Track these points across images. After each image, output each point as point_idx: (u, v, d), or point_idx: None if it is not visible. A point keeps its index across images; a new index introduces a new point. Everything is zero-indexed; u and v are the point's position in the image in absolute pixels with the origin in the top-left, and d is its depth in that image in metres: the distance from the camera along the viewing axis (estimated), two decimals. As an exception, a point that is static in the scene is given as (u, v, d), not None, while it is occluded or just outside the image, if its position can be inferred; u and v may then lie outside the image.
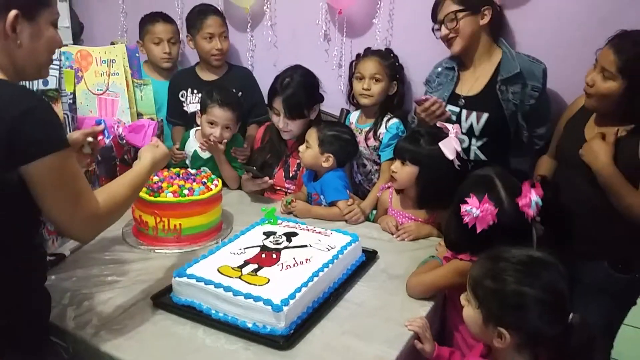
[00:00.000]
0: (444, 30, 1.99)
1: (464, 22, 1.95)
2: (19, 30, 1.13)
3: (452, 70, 2.11)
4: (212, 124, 2.22)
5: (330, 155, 2.05)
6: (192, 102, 2.58)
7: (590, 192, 1.70)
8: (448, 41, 2.02)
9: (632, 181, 1.64)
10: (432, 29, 2.04)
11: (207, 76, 2.62)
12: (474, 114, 2.02)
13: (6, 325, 1.17)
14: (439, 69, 2.16)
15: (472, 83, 2.06)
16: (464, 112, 2.04)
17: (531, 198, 1.37)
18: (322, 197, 2.09)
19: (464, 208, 1.38)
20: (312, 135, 2.07)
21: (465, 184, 1.47)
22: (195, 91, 2.57)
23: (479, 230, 1.37)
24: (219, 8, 2.81)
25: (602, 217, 1.70)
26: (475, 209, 1.37)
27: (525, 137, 2.05)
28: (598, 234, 1.73)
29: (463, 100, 2.05)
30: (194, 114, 2.48)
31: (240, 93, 2.51)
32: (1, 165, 1.06)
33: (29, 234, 1.24)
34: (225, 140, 2.23)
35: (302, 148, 2.10)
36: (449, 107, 2.06)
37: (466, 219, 1.38)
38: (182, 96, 2.61)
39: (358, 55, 2.31)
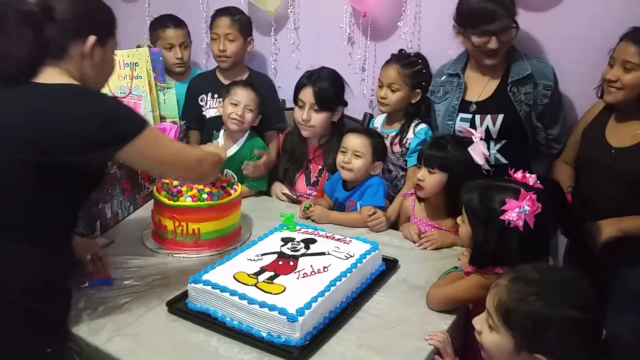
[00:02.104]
0: (494, 44, 1.89)
1: (509, 35, 1.90)
2: (94, 53, 1.31)
3: (456, 76, 2.06)
4: (234, 105, 2.23)
5: (380, 162, 2.05)
6: (212, 107, 2.55)
7: (620, 196, 1.70)
8: (489, 55, 1.94)
9: None
10: (468, 34, 1.93)
11: (227, 80, 2.55)
12: (488, 117, 1.97)
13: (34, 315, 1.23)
14: (443, 78, 2.10)
15: (482, 88, 2.01)
16: (478, 117, 1.99)
17: (516, 211, 1.32)
18: (358, 203, 2.05)
19: (508, 215, 1.32)
20: (363, 144, 2.01)
21: (474, 197, 1.41)
22: (216, 95, 2.53)
23: (532, 226, 1.32)
24: (244, 11, 2.81)
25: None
26: (520, 208, 1.32)
27: (543, 138, 2.01)
28: (631, 239, 1.68)
29: (475, 106, 2.00)
30: (212, 118, 2.47)
31: None
32: (98, 150, 1.23)
33: (68, 230, 1.39)
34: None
35: (348, 159, 2.01)
36: (461, 115, 2.02)
37: (515, 223, 1.32)
38: (201, 100, 2.57)
39: (387, 60, 2.26)
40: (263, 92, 2.41)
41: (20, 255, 1.24)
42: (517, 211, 1.33)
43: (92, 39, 1.29)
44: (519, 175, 1.44)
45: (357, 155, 2.02)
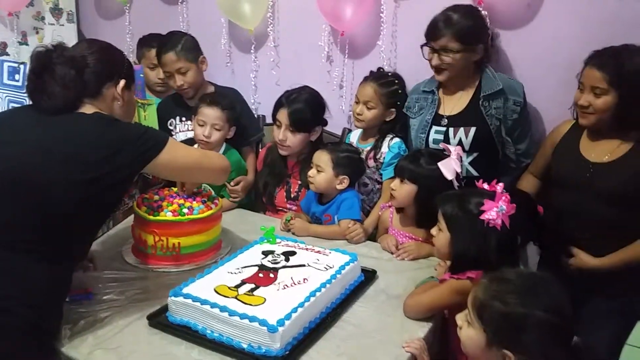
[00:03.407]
0: (436, 60, 2.01)
1: (458, 58, 1.97)
2: (123, 95, 1.54)
3: (431, 93, 2.14)
4: (201, 125, 2.23)
5: (346, 177, 2.05)
6: (181, 130, 2.53)
7: (599, 211, 1.72)
8: (436, 70, 2.05)
9: None
10: (421, 46, 2.05)
11: (193, 102, 2.44)
12: (461, 129, 2.05)
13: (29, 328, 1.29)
14: (417, 95, 2.18)
15: (455, 103, 2.09)
16: (451, 130, 2.06)
17: (495, 210, 1.40)
18: (335, 217, 2.08)
19: (487, 215, 1.40)
20: (323, 159, 2.05)
21: (451, 205, 1.49)
22: (184, 119, 2.51)
23: (508, 226, 1.40)
24: (224, 29, 2.85)
25: (613, 232, 1.72)
26: (498, 207, 1.39)
27: (512, 152, 2.08)
28: (607, 249, 1.73)
29: (446, 120, 2.08)
30: (183, 142, 2.46)
31: None
32: (134, 163, 1.41)
33: (83, 252, 1.54)
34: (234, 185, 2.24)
35: (312, 173, 2.07)
36: (434, 127, 2.09)
37: (494, 222, 1.39)
38: (170, 124, 2.54)
39: (365, 77, 2.32)
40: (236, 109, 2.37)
41: (33, 270, 1.31)
42: (496, 210, 1.40)
43: (122, 82, 1.53)
44: (485, 185, 1.50)
45: (318, 170, 2.06)
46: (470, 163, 2.06)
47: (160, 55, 2.45)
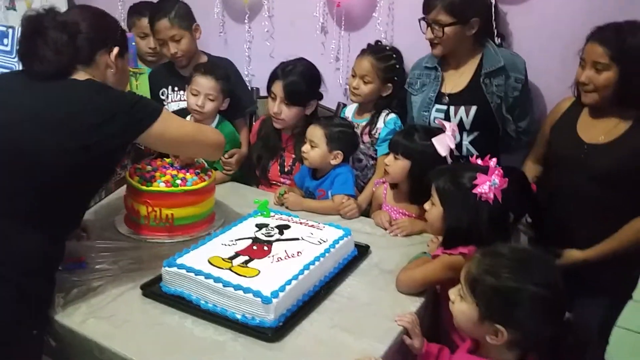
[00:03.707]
0: (429, 34, 1.99)
1: (450, 31, 1.95)
2: (116, 63, 1.50)
3: (434, 70, 2.11)
4: (194, 94, 2.21)
5: (339, 152, 2.03)
6: (173, 100, 2.49)
7: (592, 192, 1.73)
8: (430, 43, 2.03)
9: (634, 181, 1.66)
10: (419, 20, 2.02)
11: (186, 71, 2.41)
12: (462, 108, 2.03)
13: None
14: (419, 71, 2.16)
15: (456, 80, 2.07)
16: (452, 108, 2.05)
17: (488, 184, 1.42)
18: (329, 192, 2.07)
19: (480, 188, 1.41)
20: (316, 134, 2.03)
21: (444, 179, 1.50)
22: (176, 88, 2.47)
23: (500, 200, 1.41)
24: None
25: (607, 213, 1.72)
26: (490, 181, 1.40)
27: (512, 130, 2.07)
28: (601, 230, 1.74)
29: (447, 98, 2.06)
30: (175, 112, 2.39)
31: None
32: (127, 133, 1.39)
33: (77, 222, 1.53)
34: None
35: (305, 148, 2.05)
36: (436, 106, 2.08)
37: (486, 196, 1.41)
38: (162, 94, 2.50)
39: (362, 51, 2.28)
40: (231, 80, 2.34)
41: (26, 238, 1.31)
42: (488, 184, 1.41)
43: (116, 49, 1.50)
44: (479, 161, 1.51)
45: (312, 145, 2.05)
46: (470, 142, 2.05)
47: (154, 22, 2.39)
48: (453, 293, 1.23)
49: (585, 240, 1.76)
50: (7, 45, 2.74)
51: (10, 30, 2.72)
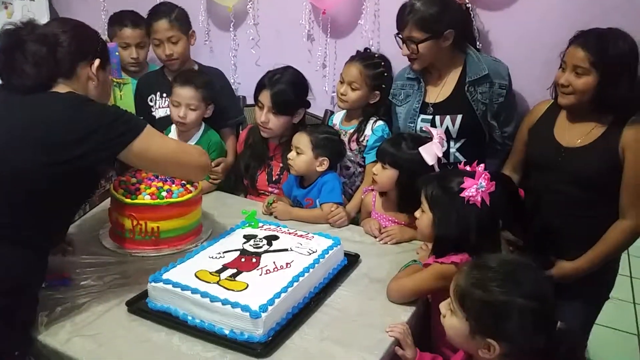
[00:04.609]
0: (405, 50, 1.99)
1: (424, 47, 1.94)
2: (98, 75, 1.48)
3: (416, 80, 2.10)
4: (176, 106, 2.19)
5: (325, 158, 2.02)
6: (161, 107, 2.47)
7: (570, 194, 1.74)
8: (409, 59, 2.03)
9: (613, 181, 1.68)
10: (394, 36, 2.02)
11: None
12: (447, 117, 2.03)
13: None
14: (401, 82, 2.15)
15: (439, 90, 2.07)
16: (437, 118, 2.04)
17: (475, 188, 1.42)
18: (317, 200, 2.05)
19: (467, 192, 1.41)
20: (302, 141, 2.02)
21: (433, 185, 1.50)
22: (164, 95, 2.44)
23: (488, 203, 1.41)
24: (202, 6, 2.77)
25: (586, 214, 1.74)
26: (477, 184, 1.41)
27: (498, 136, 2.07)
28: (581, 232, 1.75)
29: (432, 108, 2.05)
30: (162, 119, 2.40)
31: None
32: (106, 149, 1.34)
33: (59, 237, 1.50)
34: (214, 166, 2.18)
35: (291, 155, 2.04)
36: (421, 116, 2.07)
37: (474, 199, 1.41)
38: (150, 100, 2.49)
39: (351, 57, 2.27)
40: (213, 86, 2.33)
41: (7, 255, 1.28)
42: (475, 187, 1.41)
43: (97, 61, 1.47)
44: (467, 167, 1.51)
45: (297, 152, 2.03)
46: (457, 149, 2.05)
47: (152, 21, 2.39)
48: (443, 307, 1.22)
49: (567, 242, 1.78)
50: (-14, 58, 2.69)
51: (-11, 43, 2.68)
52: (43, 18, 3.18)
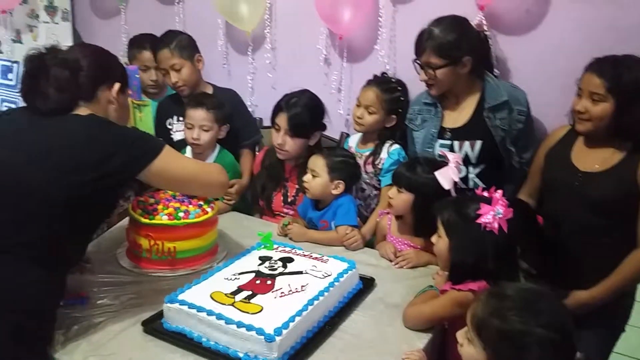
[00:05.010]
0: (422, 76, 2.01)
1: (442, 73, 1.96)
2: (118, 98, 1.53)
3: (433, 105, 2.11)
4: (189, 128, 2.22)
5: (341, 181, 2.02)
6: (178, 130, 2.51)
7: (586, 219, 1.73)
8: (427, 84, 2.04)
9: (631, 207, 1.66)
10: (412, 61, 2.03)
11: None
12: (466, 142, 2.03)
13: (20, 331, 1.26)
14: (418, 107, 2.16)
15: (457, 115, 2.08)
16: (456, 143, 2.04)
17: (492, 214, 1.41)
18: (332, 223, 2.05)
19: (483, 218, 1.39)
20: (318, 163, 2.03)
21: (449, 211, 1.49)
22: (181, 119, 2.47)
23: (506, 230, 1.39)
24: (221, 30, 2.83)
25: (602, 241, 1.71)
26: (494, 211, 1.39)
27: (516, 162, 2.06)
28: (597, 258, 1.72)
29: (450, 134, 2.06)
30: (180, 141, 2.43)
31: None
32: (126, 169, 1.38)
33: (78, 256, 1.51)
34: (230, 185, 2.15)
35: (307, 178, 2.05)
36: (440, 141, 2.07)
37: (491, 226, 1.39)
38: (169, 124, 2.54)
39: (368, 81, 2.29)
40: (230, 107, 2.36)
41: (27, 274, 1.29)
42: (492, 214, 1.40)
43: (117, 85, 1.52)
44: (485, 193, 1.50)
45: (313, 175, 2.04)
46: (477, 175, 2.04)
47: (156, 53, 2.44)
48: (460, 336, 1.20)
49: (583, 269, 1.75)
50: (11, 80, 2.78)
51: (14, 65, 2.77)
52: (67, 40, 3.27)
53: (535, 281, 1.70)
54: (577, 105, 1.71)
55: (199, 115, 2.21)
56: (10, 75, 2.77)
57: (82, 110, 1.44)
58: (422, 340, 1.44)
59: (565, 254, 1.77)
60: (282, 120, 2.18)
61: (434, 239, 1.54)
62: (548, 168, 1.88)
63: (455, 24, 1.97)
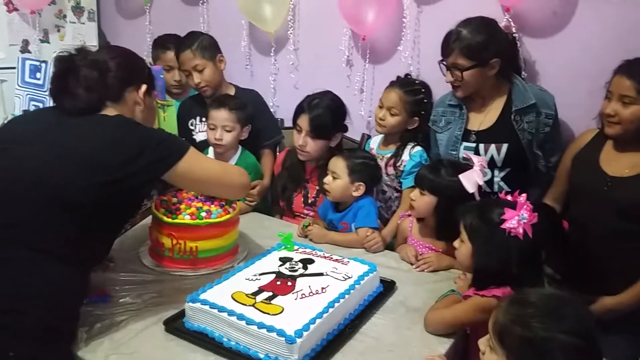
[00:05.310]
0: (449, 77, 1.99)
1: (469, 74, 1.94)
2: (144, 99, 1.55)
3: (458, 107, 2.09)
4: (212, 128, 2.24)
5: (362, 183, 2.01)
6: (201, 131, 2.53)
7: (614, 224, 1.70)
8: (453, 86, 2.02)
9: None
10: (439, 62, 2.01)
11: None
12: (492, 146, 2.00)
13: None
14: (442, 108, 2.13)
15: (482, 118, 2.05)
16: (482, 146, 2.02)
17: (516, 219, 1.38)
18: (352, 225, 2.04)
19: (508, 223, 1.37)
20: (339, 165, 2.03)
21: (472, 215, 1.47)
22: (204, 119, 2.50)
23: (530, 235, 1.37)
24: (244, 31, 2.84)
25: (632, 246, 1.69)
26: (519, 216, 1.37)
27: (543, 166, 2.03)
28: (626, 264, 1.69)
29: (475, 136, 2.03)
30: (202, 142, 2.45)
31: None
32: (153, 170, 1.40)
33: (103, 255, 1.54)
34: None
35: (327, 180, 2.04)
36: (464, 143, 2.05)
37: (515, 231, 1.37)
38: (191, 125, 2.56)
39: (391, 83, 2.28)
40: (250, 108, 2.36)
41: (53, 271, 1.31)
42: (517, 219, 1.38)
43: (144, 87, 1.55)
44: (509, 197, 1.48)
45: (334, 176, 2.03)
46: (502, 178, 2.02)
47: (179, 54, 2.46)
48: (482, 343, 1.18)
49: (609, 275, 1.72)
50: (39, 79, 2.82)
51: (43, 65, 2.82)
52: (92, 40, 3.33)
53: (559, 286, 1.67)
54: (607, 108, 1.68)
55: (221, 115, 2.22)
56: (38, 75, 2.82)
57: (110, 111, 1.46)
58: (443, 345, 1.42)
59: (591, 259, 1.75)
60: (304, 121, 2.18)
61: (456, 243, 1.52)
62: (575, 172, 1.85)
63: (484, 25, 1.95)
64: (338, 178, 2.02)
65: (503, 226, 1.39)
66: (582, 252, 1.75)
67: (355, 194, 2.02)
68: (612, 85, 1.68)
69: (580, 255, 1.75)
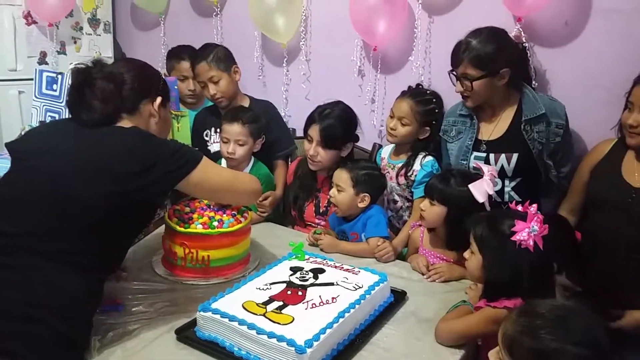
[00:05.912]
0: (459, 87, 1.99)
1: (479, 84, 1.94)
2: (159, 111, 1.58)
3: (469, 117, 2.09)
4: (225, 141, 2.25)
5: (367, 194, 2.02)
6: (215, 142, 2.55)
7: (638, 234, 1.67)
8: (462, 96, 2.02)
9: None
10: (449, 72, 2.02)
11: None
12: (503, 155, 2.00)
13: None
14: (453, 118, 2.14)
15: (493, 127, 2.05)
16: (492, 156, 2.01)
17: (526, 231, 1.36)
18: (362, 234, 2.05)
19: (519, 235, 1.36)
20: (342, 178, 2.03)
21: (482, 226, 1.45)
22: (219, 130, 2.49)
23: (541, 247, 1.35)
24: (257, 42, 2.87)
25: None
26: (529, 228, 1.35)
27: (554, 176, 2.01)
28: None
29: (485, 146, 2.03)
30: (217, 153, 2.47)
31: None
32: (162, 183, 1.42)
33: (117, 263, 1.56)
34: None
35: (332, 192, 2.05)
36: (475, 153, 2.05)
37: (526, 243, 1.36)
38: (206, 135, 2.58)
39: (403, 92, 2.29)
40: (265, 118, 2.38)
41: (68, 280, 1.33)
42: (527, 231, 1.37)
43: (159, 99, 1.58)
44: (519, 207, 1.47)
45: (338, 189, 2.04)
46: (512, 188, 2.01)
47: (194, 66, 2.49)
48: (493, 356, 1.17)
49: (630, 289, 1.69)
50: (55, 91, 2.87)
51: (59, 77, 2.86)
52: (107, 51, 3.38)
53: (579, 299, 1.65)
54: (629, 119, 1.66)
55: (234, 129, 2.24)
56: (55, 86, 2.87)
57: (125, 123, 1.49)
58: (454, 356, 1.41)
59: (610, 271, 1.71)
60: (315, 131, 2.19)
61: (466, 254, 1.52)
62: (595, 184, 1.82)
63: (494, 35, 1.95)
64: (342, 190, 2.02)
65: (513, 238, 1.38)
66: (600, 264, 1.73)
67: (360, 205, 2.03)
68: (633, 95, 1.65)
69: (597, 267, 1.73)
